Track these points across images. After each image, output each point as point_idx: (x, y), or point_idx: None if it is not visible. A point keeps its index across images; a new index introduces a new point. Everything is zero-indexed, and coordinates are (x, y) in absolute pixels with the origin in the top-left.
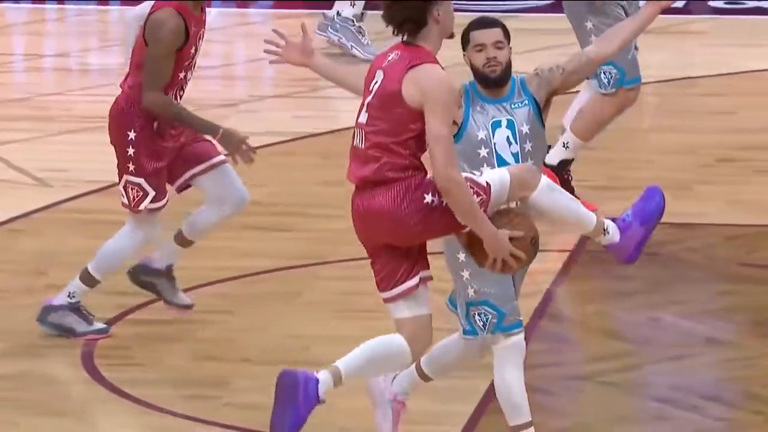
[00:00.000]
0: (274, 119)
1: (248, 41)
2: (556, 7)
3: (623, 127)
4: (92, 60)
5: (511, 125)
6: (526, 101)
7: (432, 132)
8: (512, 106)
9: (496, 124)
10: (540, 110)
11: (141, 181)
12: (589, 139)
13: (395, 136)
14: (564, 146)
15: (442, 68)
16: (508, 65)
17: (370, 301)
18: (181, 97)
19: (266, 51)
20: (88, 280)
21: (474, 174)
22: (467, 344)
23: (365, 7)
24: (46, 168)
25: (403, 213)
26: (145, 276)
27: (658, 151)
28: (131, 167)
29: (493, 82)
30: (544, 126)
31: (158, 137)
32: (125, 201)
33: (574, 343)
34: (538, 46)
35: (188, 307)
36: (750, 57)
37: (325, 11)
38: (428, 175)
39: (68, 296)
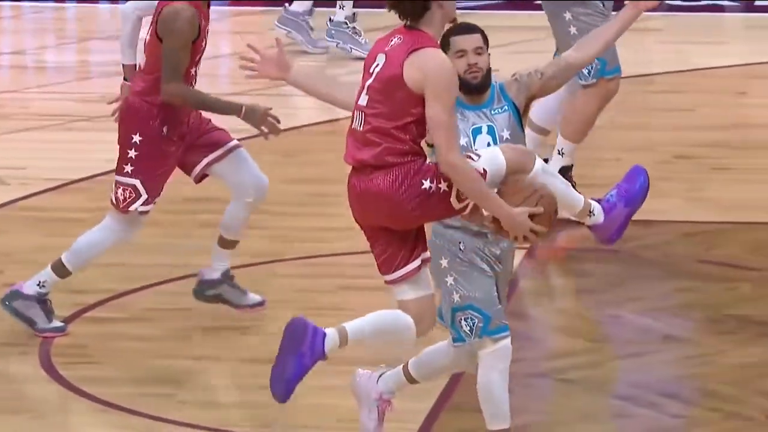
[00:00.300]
0: (232, 117)
1: None
2: (509, 5)
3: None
4: (49, 58)
5: (491, 131)
6: (506, 107)
7: (433, 118)
8: (492, 112)
9: (477, 131)
10: (520, 115)
11: (136, 183)
12: (581, 140)
13: (396, 120)
14: (560, 153)
15: (445, 53)
16: (489, 71)
17: (329, 299)
18: None
19: (242, 67)
20: (60, 270)
21: (471, 158)
22: (457, 353)
23: (354, 6)
24: (3, 166)
25: (401, 197)
26: (208, 290)
27: (617, 149)
28: (128, 168)
29: (474, 88)
30: (523, 131)
31: (165, 141)
32: (113, 200)
33: (533, 341)
34: (492, 44)
35: (260, 303)
36: (707, 54)
37: (286, 4)
38: (427, 161)
39: (38, 285)
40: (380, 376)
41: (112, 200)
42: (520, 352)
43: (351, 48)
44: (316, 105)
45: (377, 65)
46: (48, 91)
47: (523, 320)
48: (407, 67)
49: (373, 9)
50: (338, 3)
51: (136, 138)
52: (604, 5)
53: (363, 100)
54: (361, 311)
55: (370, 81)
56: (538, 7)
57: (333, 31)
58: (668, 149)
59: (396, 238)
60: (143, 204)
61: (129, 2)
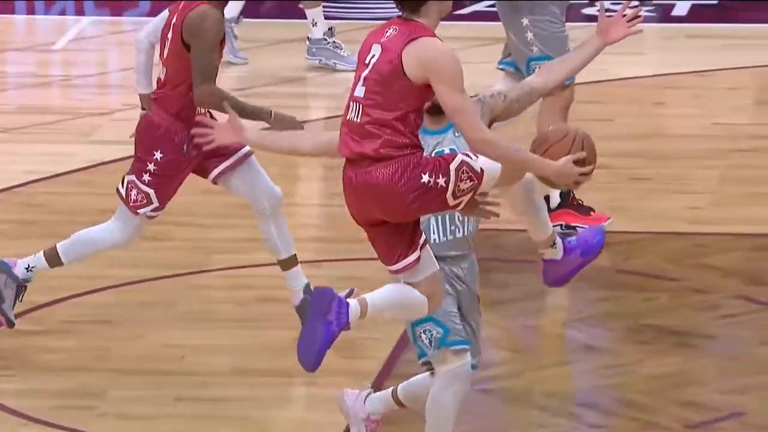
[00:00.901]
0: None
1: (122, 49)
2: None
3: (506, 135)
4: None
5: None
6: None
7: (448, 104)
8: (456, 134)
9: (439, 154)
10: None
11: (151, 192)
12: None
13: (395, 111)
14: None
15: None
16: None
17: (247, 311)
18: None
19: (198, 142)
20: (52, 259)
21: (470, 157)
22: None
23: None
24: None
25: (400, 190)
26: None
27: None
28: (146, 177)
29: (439, 108)
30: None
31: (185, 158)
32: (123, 195)
33: None
34: None
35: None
36: (625, 64)
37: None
38: (425, 153)
39: (26, 269)
40: (367, 396)
41: (121, 194)
42: None
43: (335, 63)
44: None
45: (373, 56)
46: None
47: None
48: (406, 57)
49: (348, 20)
50: (310, 21)
51: (158, 154)
52: (560, 11)
53: (360, 92)
54: (280, 323)
55: (366, 72)
56: (459, 18)
57: (314, 49)
58: None
59: (394, 232)
60: (153, 210)
61: (141, 32)
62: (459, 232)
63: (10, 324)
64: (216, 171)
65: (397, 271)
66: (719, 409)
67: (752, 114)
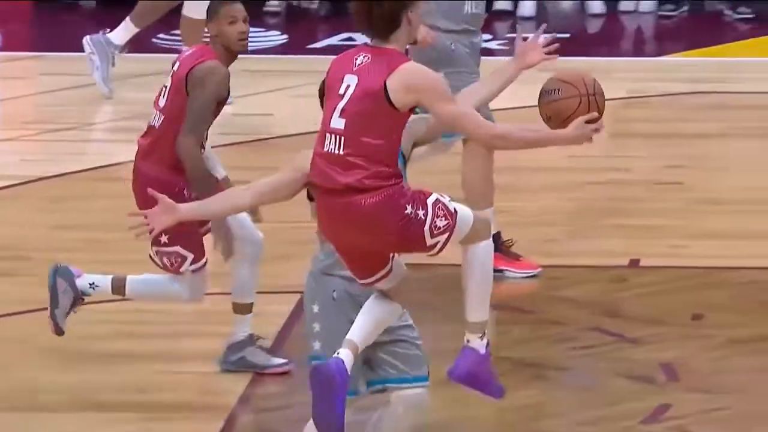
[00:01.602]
0: (2, 163)
1: None
2: (285, 48)
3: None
4: None
5: None
6: None
7: (444, 116)
8: None
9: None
10: (405, 162)
11: (177, 249)
12: (490, 201)
13: (382, 140)
14: None
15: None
16: None
17: (105, 346)
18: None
19: (137, 234)
20: (118, 288)
21: (443, 197)
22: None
23: None
24: None
25: (384, 219)
26: (233, 355)
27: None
28: (164, 239)
29: None
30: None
31: (191, 200)
32: (162, 267)
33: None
34: (272, 87)
35: (286, 364)
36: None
37: (107, 29)
38: (407, 186)
39: (90, 285)
40: None
41: (158, 265)
42: (294, 396)
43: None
44: (88, 152)
45: (348, 86)
46: None
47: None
48: (391, 86)
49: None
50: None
51: None
52: (475, 63)
53: (338, 123)
54: (138, 358)
55: (343, 104)
56: (313, 52)
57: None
58: (448, 193)
59: (369, 255)
60: (192, 263)
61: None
62: None
63: (59, 332)
64: (208, 225)
65: (369, 284)
66: None
67: (606, 147)
